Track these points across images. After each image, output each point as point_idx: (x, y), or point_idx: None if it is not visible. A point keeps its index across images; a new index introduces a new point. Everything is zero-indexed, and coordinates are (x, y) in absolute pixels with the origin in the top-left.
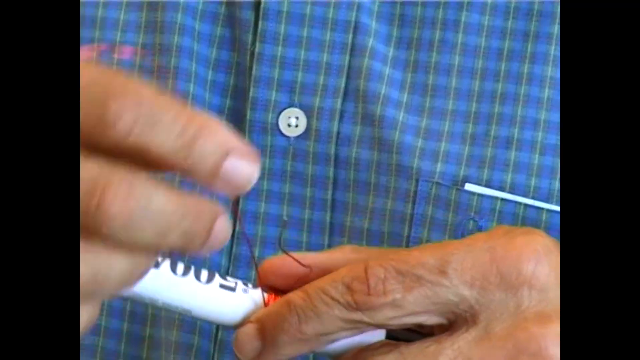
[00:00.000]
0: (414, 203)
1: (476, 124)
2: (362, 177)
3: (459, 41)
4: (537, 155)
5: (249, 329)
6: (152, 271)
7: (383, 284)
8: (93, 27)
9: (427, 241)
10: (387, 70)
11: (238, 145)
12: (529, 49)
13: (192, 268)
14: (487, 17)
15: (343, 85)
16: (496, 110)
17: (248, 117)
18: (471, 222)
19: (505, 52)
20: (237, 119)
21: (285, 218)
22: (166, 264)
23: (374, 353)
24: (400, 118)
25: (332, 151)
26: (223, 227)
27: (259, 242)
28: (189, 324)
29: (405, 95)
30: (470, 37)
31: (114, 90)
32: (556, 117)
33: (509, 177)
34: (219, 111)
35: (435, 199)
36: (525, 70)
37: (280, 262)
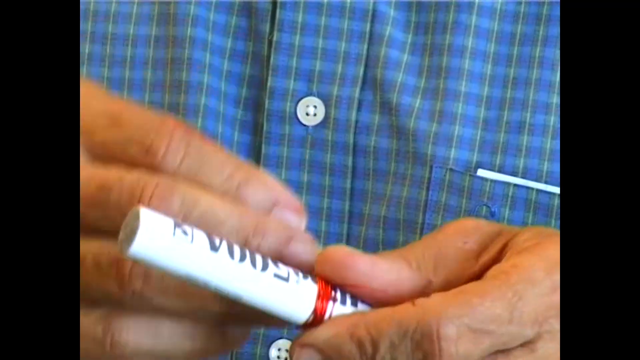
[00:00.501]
0: (428, 190)
1: (488, 109)
2: (381, 165)
3: (472, 23)
4: (549, 140)
5: (314, 356)
6: (210, 253)
7: (456, 346)
8: (106, 22)
9: (441, 227)
10: (405, 57)
11: (288, 200)
12: (540, 33)
13: (248, 253)
14: (499, 1)
15: (361, 74)
16: (508, 95)
17: (266, 106)
18: (484, 208)
19: (518, 36)
20: (254, 109)
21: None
22: (224, 247)
23: None
24: (416, 104)
25: (351, 140)
26: (302, 250)
27: None
28: None
29: (421, 80)
30: (484, 19)
31: (164, 128)
32: None
33: (521, 162)
34: (236, 101)
35: (449, 185)
36: (537, 54)
37: (339, 256)
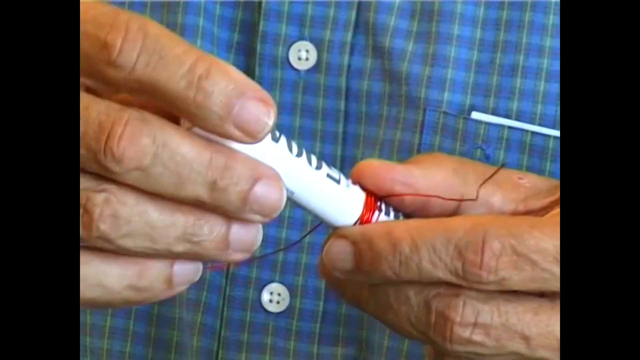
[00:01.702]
0: (421, 133)
1: (481, 52)
2: (373, 109)
3: None
4: (542, 82)
5: (347, 248)
6: (271, 143)
7: (497, 262)
8: None
9: None
10: (396, 0)
11: (250, 88)
12: None
13: (304, 150)
14: None
15: (353, 17)
16: (501, 37)
17: (258, 50)
18: (478, 150)
19: None
20: (246, 53)
21: None
22: (283, 140)
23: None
24: (409, 48)
25: (343, 84)
26: (267, 193)
27: None
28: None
29: (413, 24)
30: None
31: (117, 24)
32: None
33: (514, 105)
34: (228, 45)
35: (443, 128)
36: None
37: (374, 166)
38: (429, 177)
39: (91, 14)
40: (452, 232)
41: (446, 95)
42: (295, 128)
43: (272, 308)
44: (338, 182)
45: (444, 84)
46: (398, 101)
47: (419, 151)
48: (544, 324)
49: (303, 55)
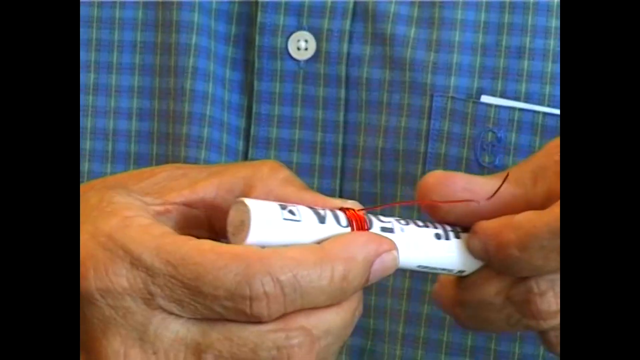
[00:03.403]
0: (429, 119)
1: (486, 34)
2: (374, 96)
3: None
4: (549, 63)
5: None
6: (319, 226)
7: None
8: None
9: (445, 156)
10: None
11: (379, 249)
12: None
13: (410, 221)
14: None
15: (351, 5)
16: (506, 20)
17: (257, 42)
18: (490, 133)
19: None
20: (244, 45)
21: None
22: (330, 217)
23: None
24: (412, 34)
25: (343, 72)
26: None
27: None
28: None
29: (414, 10)
30: None
31: (254, 292)
32: None
33: (523, 87)
34: (226, 38)
35: (451, 113)
36: None
37: (436, 178)
38: (489, 184)
39: (212, 276)
40: (556, 225)
41: (453, 80)
42: (296, 118)
43: None
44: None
45: (450, 68)
46: (401, 88)
47: (427, 137)
48: None
49: (302, 45)
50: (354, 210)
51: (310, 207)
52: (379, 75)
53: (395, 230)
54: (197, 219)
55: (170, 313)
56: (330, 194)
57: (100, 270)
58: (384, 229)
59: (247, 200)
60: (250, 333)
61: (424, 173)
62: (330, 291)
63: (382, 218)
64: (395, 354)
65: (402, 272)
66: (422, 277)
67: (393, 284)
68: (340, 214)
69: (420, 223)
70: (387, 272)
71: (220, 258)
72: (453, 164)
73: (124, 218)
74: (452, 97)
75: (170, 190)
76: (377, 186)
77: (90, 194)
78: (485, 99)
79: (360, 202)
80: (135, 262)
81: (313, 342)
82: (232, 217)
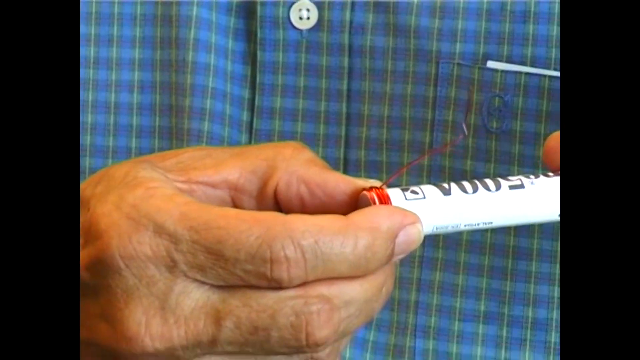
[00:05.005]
0: (435, 86)
1: None
2: (379, 64)
3: None
4: (554, 27)
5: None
6: (445, 199)
7: None
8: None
9: (453, 122)
10: None
11: (403, 221)
12: None
13: (477, 182)
14: None
15: None
16: None
17: (258, 13)
18: (497, 99)
19: None
20: (246, 16)
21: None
22: (455, 187)
23: None
24: (415, 1)
25: (346, 41)
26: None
27: (277, 138)
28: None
29: None
30: None
31: (275, 255)
32: None
33: (529, 51)
34: (227, 9)
35: (458, 79)
36: None
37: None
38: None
39: (234, 240)
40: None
41: (458, 47)
42: (300, 88)
43: None
44: (522, 186)
45: (455, 35)
46: (406, 55)
47: (434, 104)
48: None
49: (304, 14)
50: (378, 188)
51: (434, 184)
52: (382, 43)
53: (526, 185)
54: (221, 200)
55: (193, 280)
56: (335, 162)
57: (124, 239)
58: (512, 187)
59: (368, 193)
60: (269, 299)
61: (432, 140)
62: (353, 260)
63: (510, 178)
64: (408, 322)
65: None
66: (433, 244)
67: None
68: (466, 184)
69: (549, 174)
70: (412, 246)
71: (243, 222)
72: (461, 130)
73: (148, 189)
74: (458, 64)
75: (193, 169)
76: (383, 154)
77: (114, 169)
78: (491, 64)
79: (366, 171)
80: (159, 230)
81: (332, 310)
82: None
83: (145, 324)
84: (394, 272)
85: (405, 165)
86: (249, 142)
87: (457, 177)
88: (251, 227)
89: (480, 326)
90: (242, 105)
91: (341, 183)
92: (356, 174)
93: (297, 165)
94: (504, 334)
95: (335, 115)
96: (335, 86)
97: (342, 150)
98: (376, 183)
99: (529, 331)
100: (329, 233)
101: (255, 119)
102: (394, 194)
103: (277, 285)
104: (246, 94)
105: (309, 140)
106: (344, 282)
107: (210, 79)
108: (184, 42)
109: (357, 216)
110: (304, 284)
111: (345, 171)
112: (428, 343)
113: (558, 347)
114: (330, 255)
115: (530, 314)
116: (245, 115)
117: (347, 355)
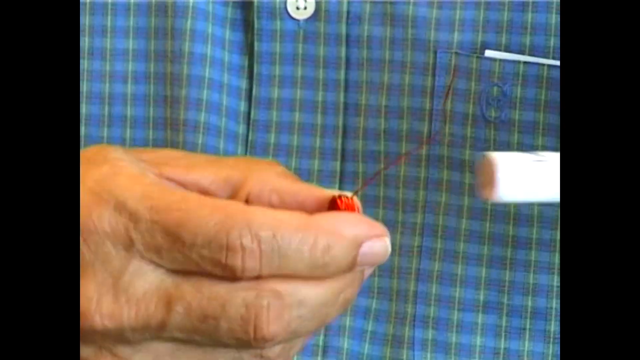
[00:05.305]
0: (434, 76)
1: None
2: (376, 54)
3: None
4: (553, 15)
5: None
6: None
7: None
8: None
9: (451, 112)
10: None
11: (369, 232)
12: None
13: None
14: None
15: None
16: None
17: (255, 3)
18: (495, 88)
19: None
20: (243, 6)
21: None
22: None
23: None
24: None
25: (343, 31)
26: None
27: (274, 128)
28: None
29: None
30: None
31: (231, 243)
32: None
33: (527, 40)
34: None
35: (456, 69)
36: None
37: None
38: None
39: (193, 224)
40: None
41: (456, 36)
42: (297, 78)
43: None
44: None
45: (453, 24)
46: (404, 45)
47: (433, 94)
48: None
49: (301, 4)
50: (348, 197)
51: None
52: (380, 33)
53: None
54: None
55: (149, 262)
56: (332, 153)
57: (84, 213)
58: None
59: (491, 156)
60: (221, 288)
61: (430, 130)
62: (309, 260)
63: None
64: (406, 312)
65: (411, 230)
66: (432, 234)
67: (401, 241)
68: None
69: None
70: (377, 260)
71: (204, 207)
72: (460, 120)
73: (114, 166)
74: (456, 53)
75: (167, 165)
76: (381, 144)
77: (87, 150)
78: (489, 53)
79: (364, 161)
80: (120, 207)
81: (283, 307)
82: (479, 174)
83: (97, 301)
84: (358, 282)
85: (380, 170)
86: (247, 133)
87: (456, 167)
88: (212, 212)
89: (480, 316)
90: (239, 95)
91: (313, 193)
92: (354, 164)
93: (270, 177)
94: (504, 323)
95: (333, 105)
96: (332, 76)
97: (339, 140)
98: (348, 194)
99: (528, 320)
100: (288, 228)
101: (252, 110)
102: (522, 157)
103: (231, 275)
104: (243, 84)
105: (307, 131)
106: (299, 282)
107: (207, 69)
108: (180, 33)
109: (320, 217)
110: (258, 277)
111: (343, 162)
112: (427, 333)
113: (558, 336)
114: (287, 251)
115: (529, 303)
116: (242, 106)
117: (346, 345)
